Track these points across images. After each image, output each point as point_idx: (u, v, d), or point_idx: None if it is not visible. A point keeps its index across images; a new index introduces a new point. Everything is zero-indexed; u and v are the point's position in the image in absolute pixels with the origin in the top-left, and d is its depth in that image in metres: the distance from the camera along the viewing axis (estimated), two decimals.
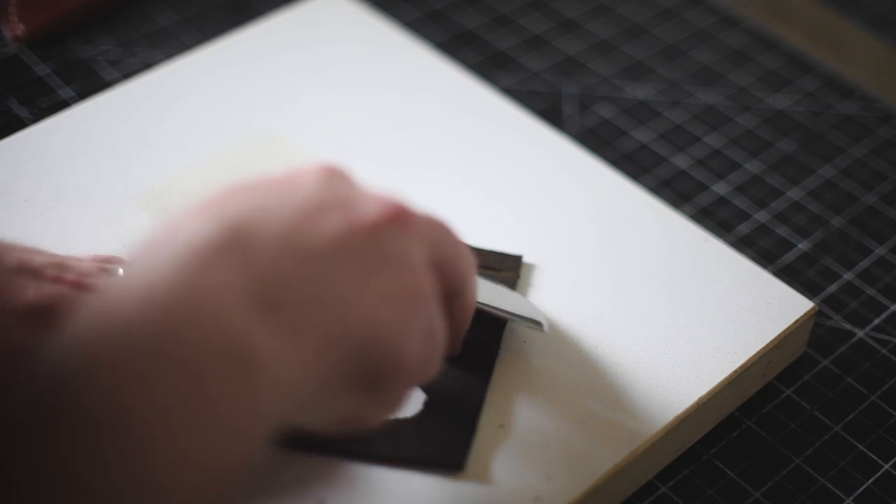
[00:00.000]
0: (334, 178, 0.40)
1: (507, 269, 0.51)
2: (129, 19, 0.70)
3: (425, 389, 0.47)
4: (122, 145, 0.58)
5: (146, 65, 0.66)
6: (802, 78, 0.70)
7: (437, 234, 0.42)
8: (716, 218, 0.61)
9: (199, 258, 0.34)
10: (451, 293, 0.43)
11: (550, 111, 0.66)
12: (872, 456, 0.51)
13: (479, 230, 0.55)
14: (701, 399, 0.48)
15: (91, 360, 0.32)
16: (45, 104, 0.64)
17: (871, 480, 0.50)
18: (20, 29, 0.67)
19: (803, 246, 0.60)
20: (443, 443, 0.46)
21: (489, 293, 0.49)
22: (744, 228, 0.61)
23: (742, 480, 0.50)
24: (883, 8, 0.76)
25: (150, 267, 0.34)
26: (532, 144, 0.59)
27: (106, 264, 0.47)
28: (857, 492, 0.50)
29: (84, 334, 0.33)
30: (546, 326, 0.49)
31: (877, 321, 0.57)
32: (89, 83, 0.65)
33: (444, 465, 0.45)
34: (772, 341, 0.51)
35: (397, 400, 0.41)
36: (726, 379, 0.49)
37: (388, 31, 0.65)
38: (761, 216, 0.61)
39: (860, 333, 0.56)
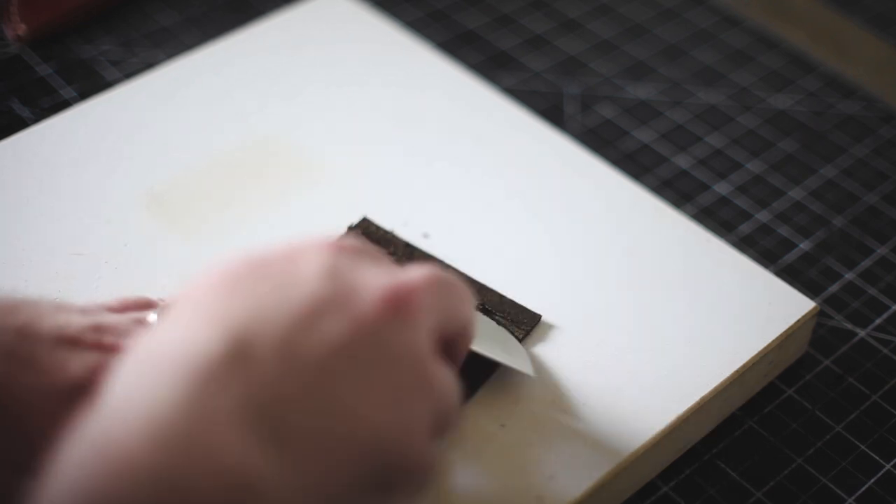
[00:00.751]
0: (335, 259, 0.39)
1: (522, 324, 0.51)
2: (130, 19, 0.70)
3: None
4: (123, 145, 0.58)
5: (147, 65, 0.66)
6: (804, 78, 0.70)
7: (441, 299, 0.41)
8: (717, 218, 0.61)
9: (200, 381, 0.34)
10: (452, 339, 0.42)
11: (552, 111, 0.66)
12: (874, 456, 0.51)
13: (479, 230, 0.55)
14: (703, 399, 0.48)
15: None
16: (47, 104, 0.64)
17: (872, 480, 0.50)
18: (22, 29, 0.67)
19: (805, 246, 0.60)
20: None
21: (483, 338, 0.48)
22: (745, 228, 0.61)
23: (744, 480, 0.50)
24: (884, 8, 0.76)
25: (151, 389, 0.34)
26: (533, 144, 0.59)
27: (139, 313, 0.45)
28: (859, 492, 0.50)
29: (85, 477, 0.32)
30: (532, 373, 0.48)
31: (878, 321, 0.57)
32: (91, 83, 0.65)
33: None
34: (773, 341, 0.51)
35: (417, 490, 0.39)
36: (728, 378, 0.49)
37: (389, 31, 0.65)
38: (763, 216, 0.61)
39: (862, 333, 0.56)
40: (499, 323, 0.50)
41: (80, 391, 0.39)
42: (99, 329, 0.42)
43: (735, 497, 0.49)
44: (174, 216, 0.54)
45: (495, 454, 0.46)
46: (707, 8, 0.75)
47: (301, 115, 0.60)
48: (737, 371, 0.49)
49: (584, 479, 0.45)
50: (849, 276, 0.59)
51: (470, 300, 0.43)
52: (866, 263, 0.59)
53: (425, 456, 0.38)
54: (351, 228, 0.54)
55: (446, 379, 0.39)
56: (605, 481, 0.45)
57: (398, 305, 0.38)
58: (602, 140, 0.65)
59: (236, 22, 0.68)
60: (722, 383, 0.49)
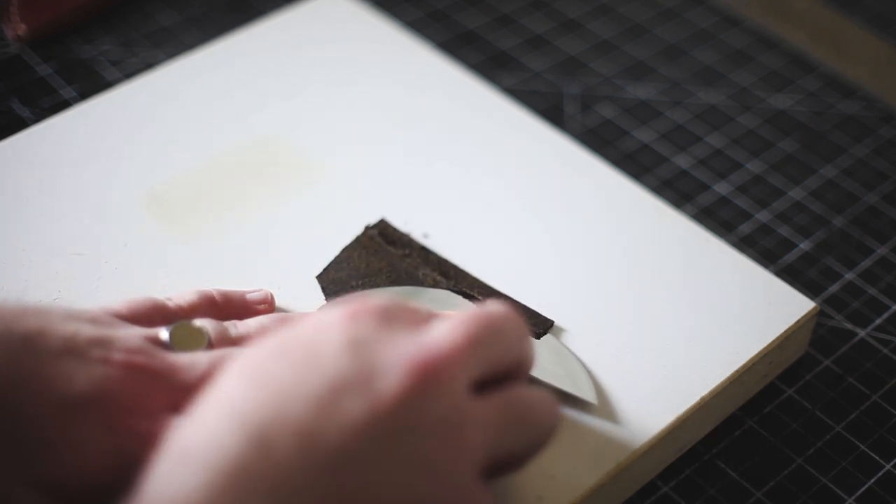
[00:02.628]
0: (357, 330, 0.38)
1: (533, 329, 0.50)
2: (130, 19, 0.70)
3: None
4: (123, 145, 0.58)
5: (147, 65, 0.66)
6: (804, 78, 0.70)
7: (483, 350, 0.39)
8: (717, 218, 0.61)
9: (226, 480, 0.34)
10: (507, 373, 0.41)
11: (552, 111, 0.66)
12: (874, 456, 0.51)
13: (479, 230, 0.55)
14: (702, 399, 0.48)
15: None
16: (47, 104, 0.64)
17: (872, 480, 0.50)
18: (22, 29, 0.67)
19: (805, 246, 0.60)
20: None
21: (543, 364, 0.48)
22: (745, 228, 0.61)
23: (744, 480, 0.50)
24: (884, 8, 0.76)
25: (182, 489, 0.34)
26: (533, 144, 0.59)
27: (150, 330, 0.44)
28: (859, 492, 0.50)
29: None
30: (594, 398, 0.48)
31: (878, 321, 0.57)
32: (91, 83, 0.65)
33: None
34: (773, 341, 0.51)
35: None
36: (728, 378, 0.49)
37: (389, 31, 0.65)
38: (763, 216, 0.61)
39: (862, 333, 0.56)
40: None
41: (84, 404, 0.39)
42: (107, 344, 0.42)
43: (735, 497, 0.49)
44: (174, 216, 0.54)
45: None
46: (707, 8, 0.75)
47: (301, 115, 0.60)
48: (737, 371, 0.49)
49: (585, 478, 0.45)
50: (849, 276, 0.59)
51: (522, 336, 0.41)
52: (866, 263, 0.59)
53: None
54: (368, 228, 0.54)
55: (486, 431, 0.38)
56: (605, 481, 0.45)
57: (424, 378, 0.37)
58: (602, 140, 0.65)
59: (236, 22, 0.68)
60: (722, 383, 0.49)
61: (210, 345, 0.44)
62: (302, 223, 0.55)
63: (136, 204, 0.55)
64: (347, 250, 0.53)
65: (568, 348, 0.49)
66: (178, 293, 0.48)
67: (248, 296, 0.49)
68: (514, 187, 0.57)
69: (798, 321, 0.52)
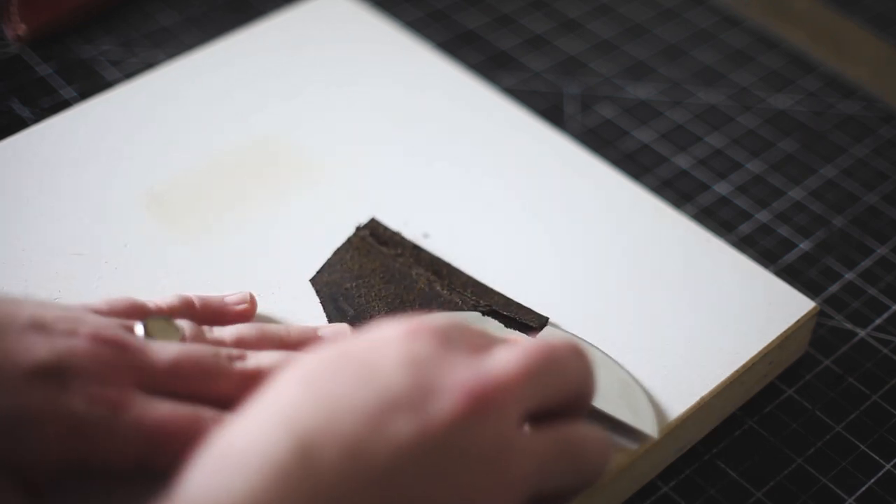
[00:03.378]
0: (418, 348, 0.38)
1: (528, 327, 0.50)
2: (130, 19, 0.70)
3: None
4: (123, 145, 0.58)
5: (147, 65, 0.66)
6: (804, 78, 0.70)
7: (541, 380, 0.39)
8: (717, 218, 0.61)
9: (269, 482, 0.34)
10: (566, 406, 0.41)
11: (552, 111, 0.66)
12: (874, 456, 0.51)
13: (479, 230, 0.55)
14: (702, 399, 0.48)
15: None
16: (47, 104, 0.64)
17: (872, 480, 0.50)
18: (22, 29, 0.67)
19: (805, 246, 0.60)
20: None
21: (606, 393, 0.47)
22: (745, 228, 0.61)
23: (744, 480, 0.50)
24: (884, 8, 0.76)
25: (226, 486, 0.34)
26: (533, 144, 0.59)
27: (125, 321, 0.44)
28: (859, 492, 0.50)
29: None
30: (654, 432, 0.46)
31: (878, 321, 0.57)
32: (91, 83, 0.65)
33: None
34: (773, 341, 0.51)
35: None
36: (728, 379, 0.49)
37: (389, 31, 0.65)
38: (763, 216, 0.61)
39: (862, 333, 0.56)
40: (507, 324, 0.50)
41: (46, 376, 0.39)
42: (76, 320, 0.42)
43: (735, 497, 0.49)
44: (174, 216, 0.54)
45: None
46: (707, 8, 0.75)
47: (301, 115, 0.60)
48: (737, 371, 0.49)
49: None
50: (849, 276, 0.59)
51: (584, 371, 0.41)
52: (866, 263, 0.59)
53: None
54: (359, 229, 0.54)
55: (534, 464, 0.38)
56: (605, 481, 0.45)
57: (478, 405, 0.37)
58: (602, 140, 0.65)
59: (236, 22, 0.68)
60: (722, 383, 0.49)
61: (183, 339, 0.44)
62: (302, 223, 0.55)
63: (136, 204, 0.55)
64: (339, 252, 0.53)
65: (634, 378, 0.48)
66: (160, 296, 0.48)
67: (227, 298, 0.49)
68: (514, 187, 0.57)
69: (798, 321, 0.52)
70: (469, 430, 0.37)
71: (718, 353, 0.50)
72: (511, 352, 0.39)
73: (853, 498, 0.49)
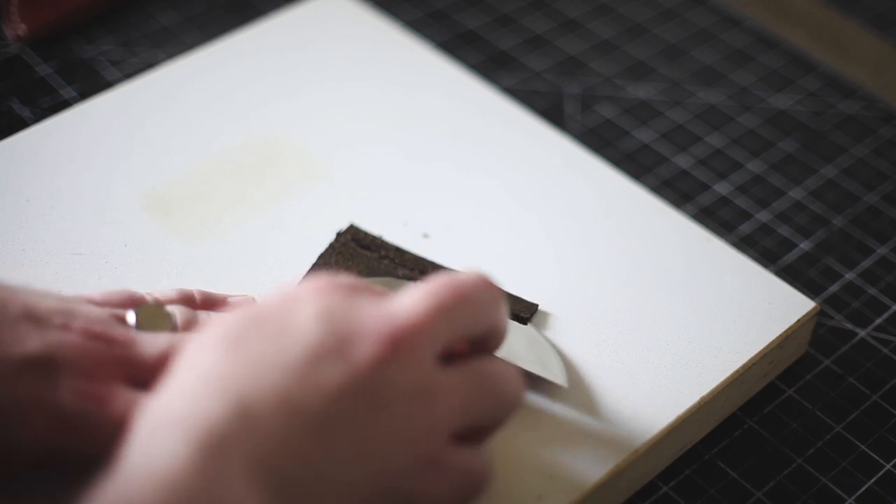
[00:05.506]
0: (329, 301, 0.39)
1: (520, 315, 0.51)
2: (131, 19, 0.70)
3: None
4: (123, 145, 0.58)
5: (148, 64, 0.66)
6: (804, 78, 0.70)
7: (452, 318, 0.40)
8: (717, 218, 0.61)
9: (208, 444, 0.35)
10: (480, 340, 0.42)
11: (552, 111, 0.66)
12: (874, 456, 0.51)
13: (479, 230, 0.55)
14: (702, 399, 0.48)
15: None
16: (47, 104, 0.64)
17: (872, 480, 0.50)
18: (22, 29, 0.67)
19: (805, 246, 0.60)
20: None
21: (515, 349, 0.48)
22: (745, 228, 0.61)
23: (744, 480, 0.50)
24: (885, 8, 0.76)
25: (164, 454, 0.35)
26: (534, 144, 0.59)
27: (118, 310, 0.45)
28: (859, 492, 0.50)
29: None
30: (564, 382, 0.48)
31: (878, 321, 0.57)
32: (91, 83, 0.65)
33: None
34: (773, 341, 0.51)
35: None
36: (728, 378, 0.49)
37: (389, 31, 0.65)
38: (763, 216, 0.61)
39: (862, 333, 0.56)
40: None
41: (36, 367, 0.40)
42: (68, 314, 0.42)
43: (735, 497, 0.49)
44: (174, 216, 0.54)
45: (495, 454, 0.46)
46: (707, 8, 0.75)
47: (301, 115, 0.60)
48: (737, 371, 0.49)
49: (585, 478, 0.45)
50: (849, 276, 0.59)
51: (494, 304, 0.42)
52: (866, 263, 0.59)
53: (440, 487, 0.39)
54: (339, 234, 0.54)
55: (454, 399, 0.40)
56: (605, 481, 0.45)
57: (396, 345, 0.38)
58: (602, 140, 0.65)
59: (236, 22, 0.68)
60: (722, 383, 0.49)
61: (174, 328, 0.45)
62: (301, 223, 0.54)
63: (136, 204, 0.55)
64: (324, 257, 0.53)
65: (542, 334, 0.50)
66: (160, 289, 0.48)
67: (230, 299, 0.50)
68: (514, 187, 0.57)
69: (798, 321, 0.52)
70: (390, 372, 0.38)
71: (718, 352, 0.50)
72: (418, 292, 0.40)
73: (853, 498, 0.49)
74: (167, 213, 0.54)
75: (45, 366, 0.40)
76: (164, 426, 0.36)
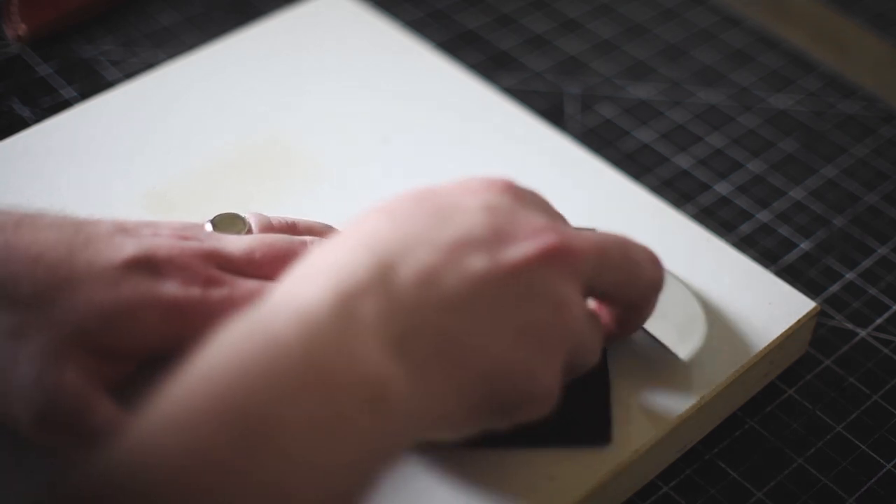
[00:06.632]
0: (502, 198, 0.41)
1: None
2: (131, 19, 0.70)
3: None
4: (123, 145, 0.58)
5: (148, 65, 0.66)
6: (804, 78, 0.70)
7: (603, 263, 0.42)
8: (718, 218, 0.61)
9: (347, 297, 0.37)
10: (627, 308, 0.45)
11: (552, 111, 0.66)
12: (875, 456, 0.51)
13: None
14: (703, 399, 0.48)
15: (258, 376, 0.34)
16: (47, 104, 0.64)
17: (873, 480, 0.50)
18: (22, 29, 0.67)
19: (805, 246, 0.60)
20: (584, 422, 0.46)
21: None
22: (746, 228, 0.61)
23: (744, 480, 0.50)
24: (885, 8, 0.76)
25: (306, 297, 0.37)
26: (534, 144, 0.59)
27: (196, 222, 0.48)
28: (860, 492, 0.50)
29: (239, 354, 0.35)
30: (685, 356, 0.49)
31: (879, 321, 0.57)
32: (91, 83, 0.65)
33: (592, 442, 0.46)
34: (774, 341, 0.51)
35: (531, 418, 0.42)
36: (728, 378, 0.49)
37: (389, 31, 0.65)
38: (763, 216, 0.61)
39: (862, 333, 0.56)
40: None
41: (138, 268, 0.42)
42: (156, 225, 0.46)
43: (736, 497, 0.49)
44: (174, 216, 0.54)
45: (496, 455, 0.46)
46: (707, 8, 0.75)
47: (301, 115, 0.60)
48: (737, 371, 0.49)
49: (585, 479, 0.45)
50: (849, 276, 0.59)
51: (654, 278, 0.44)
52: (867, 263, 0.59)
53: (547, 391, 0.40)
54: None
55: (587, 327, 0.42)
56: (605, 481, 0.45)
57: (549, 254, 0.40)
58: (602, 140, 0.65)
59: (236, 22, 0.68)
60: (722, 383, 0.49)
61: (249, 231, 0.48)
62: None
63: (137, 204, 0.55)
64: None
65: (705, 315, 0.50)
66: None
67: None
68: None
69: (798, 321, 0.52)
70: (537, 275, 0.40)
71: (718, 352, 0.50)
72: (590, 232, 0.42)
73: (853, 498, 0.49)
74: (167, 213, 0.54)
75: (146, 264, 0.43)
76: (314, 273, 0.38)
